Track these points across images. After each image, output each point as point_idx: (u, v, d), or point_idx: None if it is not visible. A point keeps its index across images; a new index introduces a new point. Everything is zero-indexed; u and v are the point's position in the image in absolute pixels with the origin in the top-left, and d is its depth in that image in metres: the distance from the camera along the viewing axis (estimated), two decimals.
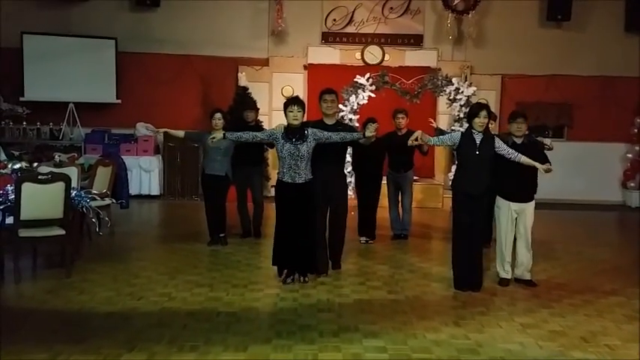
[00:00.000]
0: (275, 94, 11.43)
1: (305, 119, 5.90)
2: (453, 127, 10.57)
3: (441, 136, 6.32)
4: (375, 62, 11.47)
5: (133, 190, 10.33)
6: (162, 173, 11.23)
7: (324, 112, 6.06)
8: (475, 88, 10.53)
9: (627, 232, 10.30)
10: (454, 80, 10.33)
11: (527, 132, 5.92)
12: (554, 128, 12.24)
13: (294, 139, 5.59)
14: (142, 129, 10.32)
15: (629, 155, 12.24)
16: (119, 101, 11.17)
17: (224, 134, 5.88)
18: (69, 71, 10.90)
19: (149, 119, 10.05)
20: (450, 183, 6.01)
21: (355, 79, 10.00)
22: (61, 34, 11.00)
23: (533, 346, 4.44)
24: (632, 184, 12.23)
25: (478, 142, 5.52)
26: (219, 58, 11.49)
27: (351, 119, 9.83)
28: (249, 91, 10.63)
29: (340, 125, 6.24)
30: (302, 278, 5.79)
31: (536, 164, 5.53)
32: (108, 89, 11.07)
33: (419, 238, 8.17)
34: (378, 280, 6.10)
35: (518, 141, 5.81)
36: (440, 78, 10.33)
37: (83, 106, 11.06)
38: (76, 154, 9.10)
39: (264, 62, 11.68)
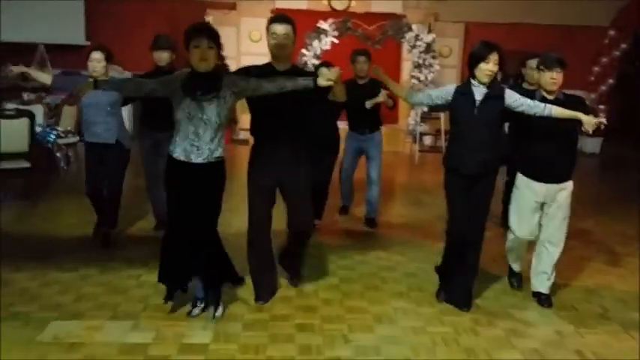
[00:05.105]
0: (243, 39, 11.68)
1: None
2: (412, 73, 10.99)
3: (430, 91, 4.42)
4: (341, 8, 11.66)
5: None
6: (132, 113, 11.49)
7: (273, 52, 3.98)
8: (434, 35, 10.85)
9: (580, 179, 10.79)
10: (414, 27, 10.65)
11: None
12: (515, 76, 12.58)
13: (198, 92, 3.56)
14: (112, 71, 10.53)
15: (586, 102, 12.69)
16: (88, 43, 11.37)
17: (95, 81, 3.70)
18: (37, 12, 11.00)
19: (118, 62, 10.28)
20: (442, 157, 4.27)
21: (318, 25, 10.27)
22: None
23: None
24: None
25: (479, 98, 3.95)
26: (188, 2, 11.64)
27: (314, 65, 10.10)
28: None
29: (297, 72, 4.02)
30: (214, 310, 3.90)
31: (580, 115, 3.85)
32: (77, 31, 11.27)
33: None
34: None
35: (551, 97, 4.08)
36: (401, 24, 10.63)
37: (52, 47, 11.23)
38: (44, 94, 9.36)
39: (232, 6, 11.83)
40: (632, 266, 5.26)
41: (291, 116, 3.98)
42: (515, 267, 4.65)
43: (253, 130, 4.11)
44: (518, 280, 4.64)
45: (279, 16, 4.02)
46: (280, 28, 3.91)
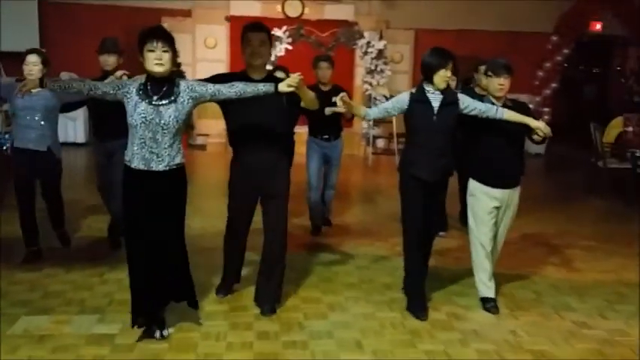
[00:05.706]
0: (198, 45, 11.89)
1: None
2: (365, 79, 11.38)
3: (384, 105, 4.29)
4: (295, 15, 11.94)
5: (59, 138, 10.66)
6: (88, 121, 11.55)
7: (249, 62, 3.96)
8: (385, 42, 11.28)
9: (524, 178, 11.31)
10: (365, 34, 11.05)
11: None
12: (464, 81, 13.10)
13: (154, 97, 3.46)
14: (66, 78, 10.63)
15: (531, 105, 13.25)
16: (43, 50, 11.35)
17: (41, 80, 3.56)
18: None
19: (74, 69, 10.37)
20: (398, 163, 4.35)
21: (272, 32, 10.53)
22: None
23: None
24: None
25: (436, 105, 4.01)
26: (143, 9, 11.78)
27: (269, 70, 10.34)
28: None
29: (273, 81, 3.76)
30: (159, 332, 3.70)
31: (529, 120, 4.05)
32: (30, 38, 11.22)
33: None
34: None
35: (499, 103, 4.18)
36: (353, 31, 11.02)
37: (5, 55, 11.22)
38: None
39: (187, 13, 12.04)
40: (565, 257, 5.71)
41: (271, 127, 3.94)
42: (486, 290, 4.43)
43: (232, 141, 4.09)
44: (493, 305, 4.39)
45: (254, 25, 3.98)
46: (256, 36, 3.89)
